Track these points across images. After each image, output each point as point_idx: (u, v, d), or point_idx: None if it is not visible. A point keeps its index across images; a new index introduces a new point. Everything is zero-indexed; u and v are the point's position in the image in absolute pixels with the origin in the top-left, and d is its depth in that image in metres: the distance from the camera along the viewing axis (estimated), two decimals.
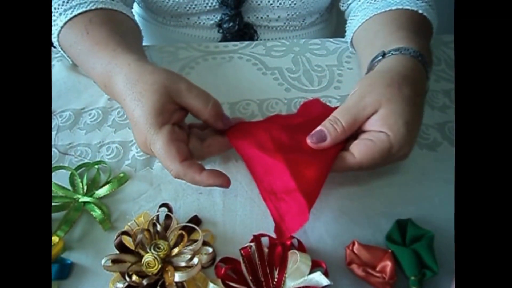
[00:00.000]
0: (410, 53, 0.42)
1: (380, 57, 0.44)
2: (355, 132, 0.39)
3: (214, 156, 0.44)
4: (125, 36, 0.47)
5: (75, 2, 0.48)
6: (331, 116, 0.38)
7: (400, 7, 0.51)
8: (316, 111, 0.45)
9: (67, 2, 0.48)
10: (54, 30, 0.48)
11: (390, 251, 0.35)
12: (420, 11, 0.51)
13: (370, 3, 0.56)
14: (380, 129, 0.37)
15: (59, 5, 0.48)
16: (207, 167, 0.43)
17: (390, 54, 0.43)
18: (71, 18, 0.47)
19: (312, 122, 0.39)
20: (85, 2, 0.48)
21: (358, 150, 0.37)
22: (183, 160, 0.37)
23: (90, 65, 0.44)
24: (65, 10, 0.47)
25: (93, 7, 0.48)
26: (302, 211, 0.33)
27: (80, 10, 0.47)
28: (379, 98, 0.37)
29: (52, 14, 0.48)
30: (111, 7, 0.49)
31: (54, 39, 0.49)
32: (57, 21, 0.48)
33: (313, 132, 0.38)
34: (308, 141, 0.38)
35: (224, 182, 0.37)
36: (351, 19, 0.57)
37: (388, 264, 0.34)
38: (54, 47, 0.54)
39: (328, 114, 0.39)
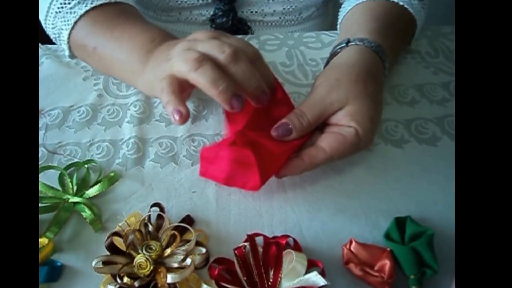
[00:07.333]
0: (372, 47, 0.44)
1: (344, 44, 0.45)
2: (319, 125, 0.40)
3: None
4: None
5: None
6: (297, 109, 0.39)
7: None
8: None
9: None
10: (71, 17, 0.48)
11: (388, 249, 0.35)
12: (400, 3, 0.51)
13: None
14: (349, 124, 0.38)
15: None
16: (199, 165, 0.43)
17: (354, 43, 0.44)
18: (97, 5, 0.48)
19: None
20: None
21: (330, 145, 0.38)
22: None
23: (140, 26, 0.46)
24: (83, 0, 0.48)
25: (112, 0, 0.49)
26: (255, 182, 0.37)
27: (102, 2, 0.48)
28: (346, 95, 0.38)
29: (66, 2, 0.49)
30: (126, 2, 0.51)
31: (66, 26, 0.49)
32: (75, 8, 0.48)
33: (278, 124, 0.39)
34: (273, 133, 0.39)
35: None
36: (339, 11, 0.58)
37: (386, 263, 0.34)
38: (44, 43, 0.53)
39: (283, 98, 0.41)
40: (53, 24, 0.50)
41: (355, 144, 0.38)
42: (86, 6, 0.48)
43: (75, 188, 0.40)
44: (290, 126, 0.38)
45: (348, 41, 0.45)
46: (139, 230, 0.35)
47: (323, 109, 0.39)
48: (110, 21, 0.47)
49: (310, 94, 0.40)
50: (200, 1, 0.61)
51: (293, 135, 0.38)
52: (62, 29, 0.49)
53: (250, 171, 0.36)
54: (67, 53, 0.52)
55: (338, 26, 0.56)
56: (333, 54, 0.46)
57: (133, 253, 0.34)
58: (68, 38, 0.50)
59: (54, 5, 0.49)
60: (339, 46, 0.46)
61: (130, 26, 0.46)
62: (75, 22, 0.48)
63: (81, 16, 0.48)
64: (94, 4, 0.48)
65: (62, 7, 0.49)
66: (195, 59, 0.34)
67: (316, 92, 0.40)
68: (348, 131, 0.38)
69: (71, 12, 0.48)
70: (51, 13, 0.50)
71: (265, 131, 0.39)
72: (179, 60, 0.36)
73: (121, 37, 0.45)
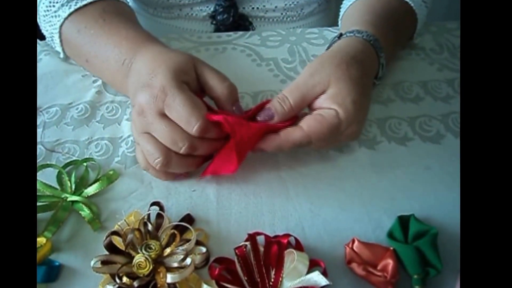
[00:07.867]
0: (363, 36, 0.44)
1: (336, 38, 0.46)
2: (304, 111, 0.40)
3: None
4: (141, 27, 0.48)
5: None
6: (280, 93, 0.40)
7: None
8: None
9: None
10: (56, 21, 0.48)
11: (391, 248, 0.34)
12: None
13: None
14: (330, 106, 0.38)
15: None
16: None
17: (345, 35, 0.45)
18: (79, 7, 0.47)
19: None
20: None
21: (307, 124, 0.38)
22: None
23: (112, 43, 0.44)
24: (68, 1, 0.47)
25: None
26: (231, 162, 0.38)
27: (88, 0, 0.47)
28: (328, 78, 0.39)
29: (51, 5, 0.48)
30: None
31: (54, 30, 0.48)
32: (59, 11, 0.47)
33: (262, 110, 0.40)
34: (258, 118, 0.39)
35: None
36: (341, 7, 0.58)
37: (389, 263, 0.33)
38: (43, 39, 0.53)
39: None
40: (44, 27, 0.50)
41: (334, 125, 0.37)
42: (69, 8, 0.47)
43: (73, 186, 0.40)
44: (272, 110, 0.39)
45: (341, 35, 0.46)
46: (139, 229, 0.35)
47: (305, 92, 0.39)
48: (90, 29, 0.46)
49: (295, 80, 0.41)
50: None
51: (276, 119, 0.39)
52: (53, 33, 0.49)
53: (231, 155, 0.38)
54: (61, 55, 0.52)
55: (339, 22, 0.56)
56: (327, 49, 0.46)
57: (132, 253, 0.34)
58: (61, 41, 0.49)
59: (41, 7, 0.49)
60: (333, 41, 0.47)
61: (104, 41, 0.45)
62: (61, 26, 0.48)
63: (65, 19, 0.47)
64: (78, 6, 0.47)
65: (47, 10, 0.48)
66: (161, 165, 0.37)
67: (300, 77, 0.40)
68: (327, 112, 0.38)
69: (55, 16, 0.48)
70: (39, 17, 0.50)
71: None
72: (147, 158, 0.38)
73: (100, 55, 0.45)
